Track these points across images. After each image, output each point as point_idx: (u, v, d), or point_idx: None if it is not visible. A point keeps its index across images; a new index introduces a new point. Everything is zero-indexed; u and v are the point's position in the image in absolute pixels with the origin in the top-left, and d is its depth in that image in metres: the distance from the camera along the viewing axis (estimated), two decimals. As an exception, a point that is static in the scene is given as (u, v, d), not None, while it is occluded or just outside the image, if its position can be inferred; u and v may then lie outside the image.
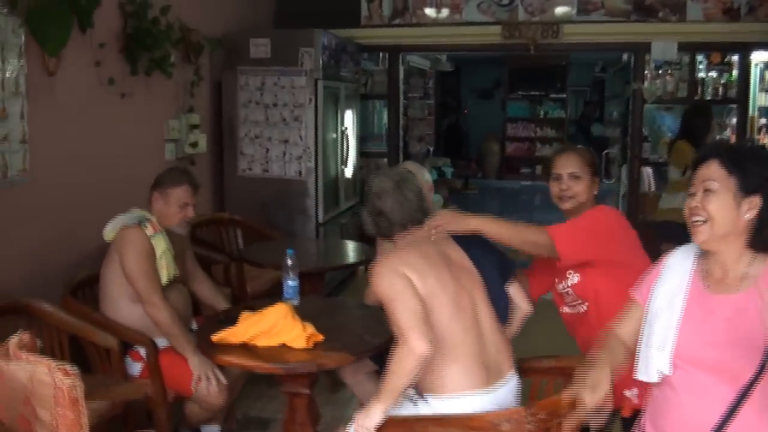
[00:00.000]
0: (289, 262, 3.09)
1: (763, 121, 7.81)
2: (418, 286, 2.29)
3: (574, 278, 2.63)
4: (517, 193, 13.72)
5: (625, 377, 2.31)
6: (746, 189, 1.79)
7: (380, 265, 2.37)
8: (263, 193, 5.54)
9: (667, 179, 6.25)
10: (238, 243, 5.02)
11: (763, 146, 1.83)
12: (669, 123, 6.86)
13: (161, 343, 3.14)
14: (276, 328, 2.64)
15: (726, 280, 1.83)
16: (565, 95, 14.94)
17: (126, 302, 3.13)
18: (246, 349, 2.60)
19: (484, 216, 2.60)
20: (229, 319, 2.76)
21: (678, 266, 1.93)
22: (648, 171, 6.55)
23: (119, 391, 3.00)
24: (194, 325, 3.30)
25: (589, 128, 15.08)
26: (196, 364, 3.00)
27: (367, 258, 4.01)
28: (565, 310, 2.76)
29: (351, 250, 4.62)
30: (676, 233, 5.30)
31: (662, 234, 5.44)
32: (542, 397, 2.48)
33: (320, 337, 2.64)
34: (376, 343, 2.66)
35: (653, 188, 6.45)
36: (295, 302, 3.07)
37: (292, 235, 5.36)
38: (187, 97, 5.06)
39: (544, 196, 13.97)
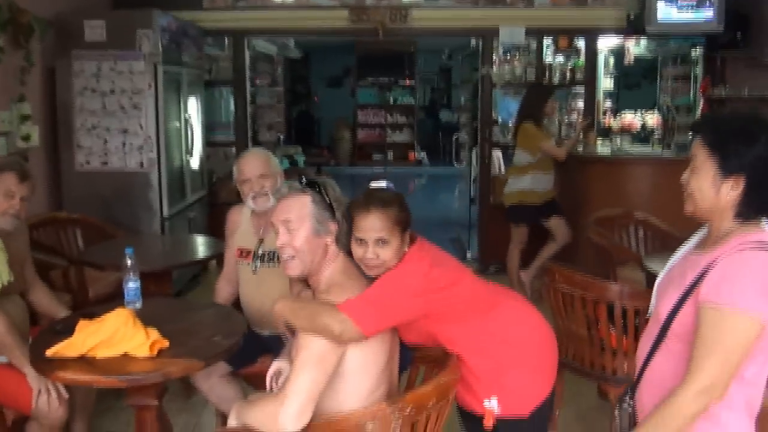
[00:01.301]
0: (129, 262, 2.82)
1: (608, 104, 8.25)
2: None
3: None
4: (369, 179, 13.66)
5: (483, 385, 2.28)
6: (726, 170, 1.77)
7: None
8: (103, 189, 5.14)
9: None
10: (78, 244, 4.62)
11: (750, 121, 1.69)
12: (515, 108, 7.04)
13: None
14: (116, 336, 2.38)
15: (708, 243, 1.87)
16: (414, 82, 15.11)
17: None
18: (84, 362, 2.33)
19: (286, 300, 2.26)
20: (67, 328, 2.46)
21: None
22: (498, 154, 6.69)
23: None
24: (30, 340, 2.94)
25: (437, 114, 15.39)
26: (34, 376, 2.68)
27: (218, 252, 3.79)
28: None
29: (200, 244, 4.37)
30: (527, 215, 5.54)
31: (512, 217, 5.58)
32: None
33: (165, 343, 2.41)
34: (227, 345, 2.47)
35: (503, 171, 6.59)
36: (138, 305, 2.82)
37: (136, 232, 5.00)
38: (16, 85, 4.59)
39: (397, 182, 14.29)
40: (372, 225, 2.17)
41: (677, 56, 7.53)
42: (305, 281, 2.35)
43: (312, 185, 2.28)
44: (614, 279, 4.20)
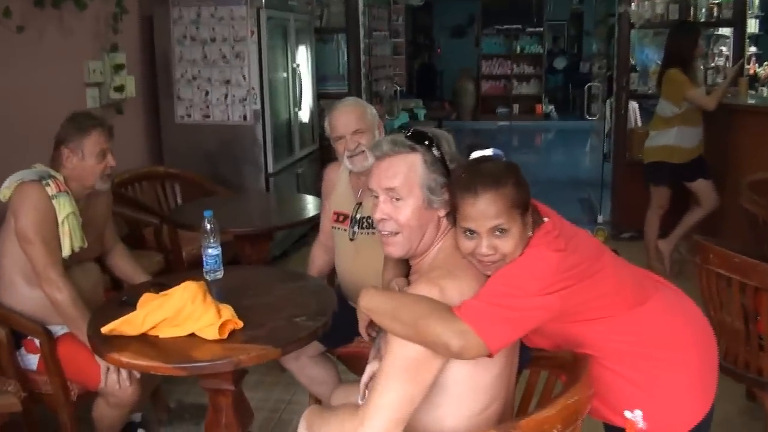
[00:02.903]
0: (208, 226, 2.49)
1: (752, 49, 7.24)
2: None
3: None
4: (494, 135, 13.13)
5: (625, 395, 1.79)
6: None
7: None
8: (205, 143, 4.90)
9: (652, 114, 5.72)
10: (177, 201, 4.41)
11: None
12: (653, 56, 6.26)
13: (61, 330, 2.60)
14: (183, 313, 2.06)
15: None
16: (542, 29, 14.21)
17: (21, 283, 2.58)
18: (144, 342, 2.03)
19: (374, 292, 1.75)
20: (133, 300, 2.19)
21: None
22: (634, 105, 5.97)
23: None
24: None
25: (567, 64, 14.51)
26: None
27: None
28: None
29: (306, 203, 4.00)
30: (670, 174, 4.86)
31: (651, 177, 4.92)
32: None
33: (239, 324, 2.07)
34: (311, 329, 2.11)
35: (639, 124, 5.89)
36: (219, 275, 2.51)
37: (239, 189, 4.75)
38: (109, 34, 4.37)
39: (522, 137, 13.55)
40: (484, 211, 1.63)
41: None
42: (405, 263, 1.91)
43: (421, 138, 1.77)
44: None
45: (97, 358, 2.38)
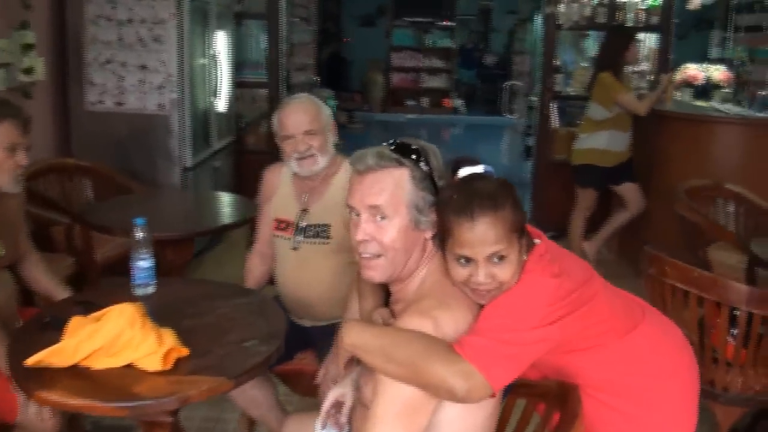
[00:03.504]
0: (140, 235, 2.21)
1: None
2: None
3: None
4: (403, 128, 13.04)
5: (616, 427, 1.69)
6: None
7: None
8: (118, 132, 4.51)
9: (572, 114, 5.72)
10: (87, 197, 4.02)
11: None
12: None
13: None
14: (120, 341, 1.79)
15: None
16: (453, 23, 14.20)
17: None
18: (77, 375, 1.75)
19: (358, 326, 1.58)
20: (58, 322, 1.88)
21: None
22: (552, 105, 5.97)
23: None
24: (20, 323, 2.37)
25: (480, 59, 14.58)
26: None
27: (248, 216, 3.18)
28: None
29: (227, 205, 3.75)
30: (598, 177, 4.85)
31: (580, 179, 4.91)
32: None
33: (184, 352, 1.82)
34: (265, 354, 1.88)
35: (557, 124, 5.89)
36: (150, 290, 2.24)
37: (153, 183, 4.40)
38: (18, 9, 3.94)
39: (432, 131, 13.50)
40: (482, 237, 1.47)
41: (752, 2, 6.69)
42: (384, 288, 1.71)
43: (407, 151, 1.59)
44: (705, 262, 3.56)
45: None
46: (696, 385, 1.81)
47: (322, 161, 2.46)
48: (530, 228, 1.64)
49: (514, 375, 1.48)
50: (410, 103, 14.23)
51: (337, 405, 1.74)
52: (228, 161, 5.52)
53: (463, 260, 1.50)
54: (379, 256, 1.57)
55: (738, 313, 2.42)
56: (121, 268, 3.31)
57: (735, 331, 2.46)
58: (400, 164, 1.56)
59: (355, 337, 1.51)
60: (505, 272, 1.49)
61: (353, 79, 14.85)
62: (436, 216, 1.56)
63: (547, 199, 5.79)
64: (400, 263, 1.58)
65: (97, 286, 3.42)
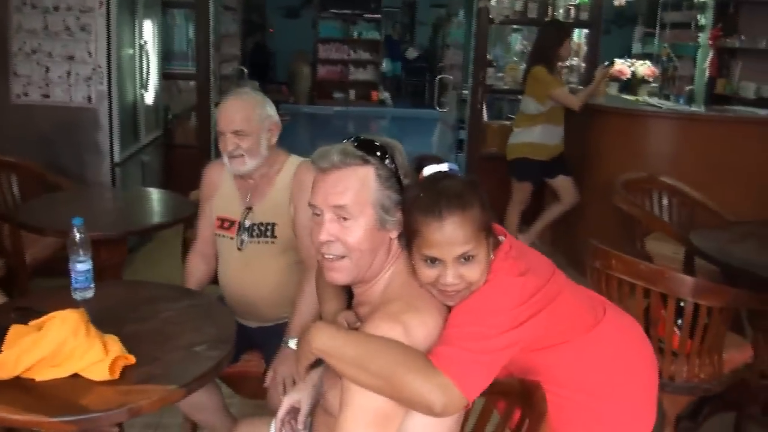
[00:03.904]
0: (77, 236, 2.10)
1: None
2: None
3: None
4: (330, 120, 12.97)
5: (578, 425, 1.69)
6: None
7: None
8: (44, 126, 4.31)
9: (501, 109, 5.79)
10: (13, 194, 3.81)
11: None
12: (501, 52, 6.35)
13: None
14: (64, 350, 1.69)
15: None
16: (380, 16, 14.18)
17: None
18: (19, 387, 1.64)
19: (326, 329, 1.51)
20: (-6, 328, 1.77)
21: None
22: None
23: None
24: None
25: (403, 52, 14.61)
26: None
27: (183, 214, 3.08)
28: None
29: (159, 201, 3.61)
30: (533, 171, 4.92)
31: (515, 173, 4.97)
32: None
33: (131, 359, 1.73)
34: (215, 359, 1.80)
35: (486, 118, 5.96)
36: (89, 294, 2.13)
37: (80, 179, 4.22)
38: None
39: (359, 123, 13.48)
40: (450, 238, 1.45)
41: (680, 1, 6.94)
42: (347, 290, 1.67)
43: (372, 149, 1.54)
44: (644, 253, 3.66)
45: None
46: (655, 378, 1.83)
47: (250, 163, 2.37)
48: (494, 225, 1.63)
49: (486, 383, 1.45)
50: (337, 95, 14.17)
51: (293, 411, 1.70)
52: (156, 156, 5.35)
53: (430, 261, 1.48)
54: (343, 257, 1.53)
55: (684, 304, 2.47)
56: (50, 269, 3.19)
57: (680, 322, 2.51)
58: (366, 162, 1.52)
59: (325, 342, 1.46)
60: (473, 272, 1.47)
61: (279, 71, 14.67)
62: (402, 216, 1.52)
63: (480, 193, 5.82)
64: (366, 264, 1.54)
65: (27, 289, 3.26)
